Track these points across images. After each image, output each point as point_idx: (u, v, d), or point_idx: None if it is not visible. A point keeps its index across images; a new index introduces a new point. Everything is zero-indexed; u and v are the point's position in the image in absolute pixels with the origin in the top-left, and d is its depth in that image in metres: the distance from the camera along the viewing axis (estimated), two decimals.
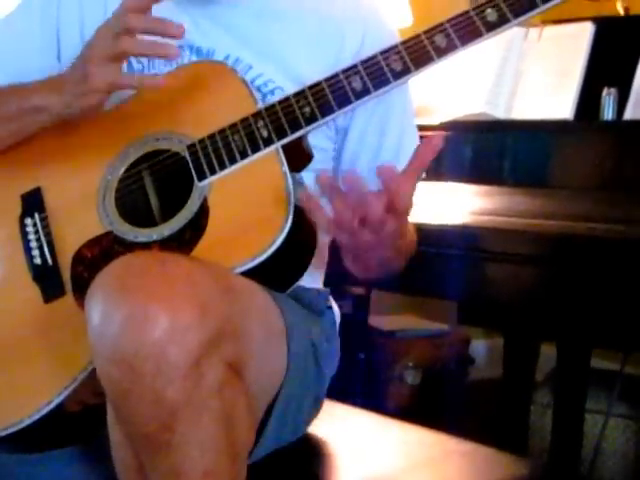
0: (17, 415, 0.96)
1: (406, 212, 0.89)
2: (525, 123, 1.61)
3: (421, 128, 1.20)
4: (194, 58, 1.11)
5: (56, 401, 0.95)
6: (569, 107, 1.55)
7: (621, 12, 0.94)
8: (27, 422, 0.95)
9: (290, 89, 1.02)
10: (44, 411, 0.95)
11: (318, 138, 1.08)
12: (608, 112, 1.52)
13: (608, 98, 1.52)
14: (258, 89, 1.06)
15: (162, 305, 0.79)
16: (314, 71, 1.04)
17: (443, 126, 1.68)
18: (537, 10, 0.93)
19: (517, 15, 0.93)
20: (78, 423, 1.00)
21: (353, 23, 1.11)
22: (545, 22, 1.65)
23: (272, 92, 1.08)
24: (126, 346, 0.79)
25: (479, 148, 1.63)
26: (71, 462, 1.05)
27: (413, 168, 0.87)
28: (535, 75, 1.63)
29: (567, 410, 1.55)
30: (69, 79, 1.00)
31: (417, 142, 1.16)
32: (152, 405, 0.79)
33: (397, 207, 0.86)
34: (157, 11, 1.12)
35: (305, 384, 1.06)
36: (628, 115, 1.49)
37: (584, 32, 1.58)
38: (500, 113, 1.65)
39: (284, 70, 1.09)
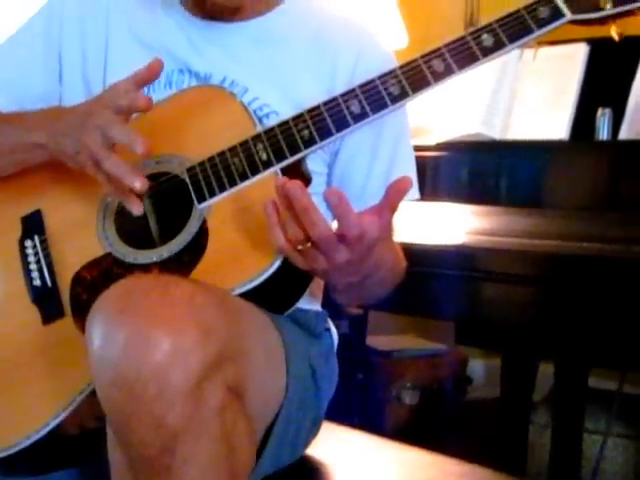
0: (14, 437, 0.96)
1: (368, 248, 0.87)
2: (521, 143, 1.62)
3: (417, 149, 1.20)
4: (193, 81, 1.11)
5: (53, 423, 0.95)
6: (564, 127, 1.56)
7: (616, 38, 0.95)
8: (25, 444, 0.95)
9: (285, 113, 1.02)
10: (42, 433, 0.95)
11: (315, 162, 1.09)
12: (603, 132, 1.54)
13: (603, 118, 1.53)
14: (254, 113, 1.07)
15: (164, 328, 0.79)
16: (309, 95, 1.05)
17: (439, 146, 1.69)
18: (533, 35, 0.94)
19: (513, 40, 0.94)
20: (76, 446, 0.99)
21: (347, 46, 1.12)
22: (540, 43, 1.67)
23: (267, 116, 1.08)
24: (127, 369, 0.79)
25: (475, 168, 1.64)
26: None
27: (380, 209, 0.86)
28: (530, 95, 1.65)
29: (566, 430, 1.55)
30: (68, 125, 1.00)
31: (412, 169, 1.16)
32: (153, 428, 0.79)
33: (347, 237, 0.85)
34: (159, 32, 1.14)
35: (304, 405, 1.06)
36: (623, 135, 1.50)
37: (578, 53, 1.60)
38: (496, 133, 1.66)
39: (280, 94, 1.09)
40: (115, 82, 1.00)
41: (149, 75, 0.97)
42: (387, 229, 0.90)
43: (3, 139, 1.07)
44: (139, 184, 0.94)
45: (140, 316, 0.80)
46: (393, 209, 0.87)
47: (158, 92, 1.11)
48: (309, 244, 0.87)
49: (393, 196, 0.86)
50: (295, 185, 0.84)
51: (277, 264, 0.94)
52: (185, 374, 0.79)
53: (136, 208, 0.97)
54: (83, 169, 0.99)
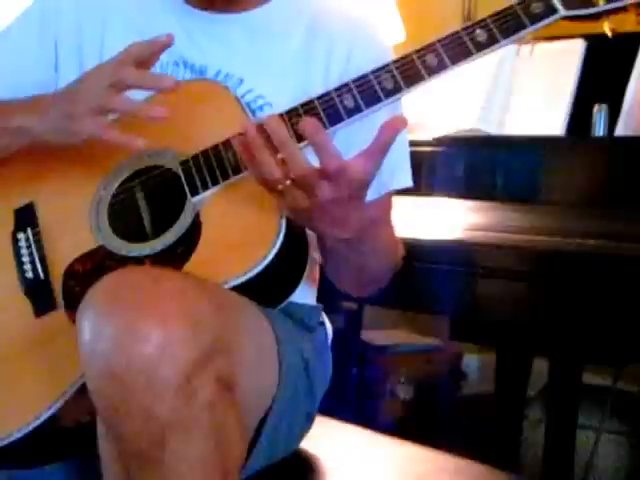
0: (6, 429, 0.96)
1: (355, 188, 0.88)
2: (517, 139, 1.62)
3: (414, 144, 1.20)
4: (188, 74, 1.11)
5: (45, 415, 0.95)
6: (561, 123, 1.57)
7: (608, 33, 0.95)
8: (16, 436, 0.95)
9: (280, 104, 1.02)
10: (33, 425, 0.95)
11: (309, 153, 1.08)
12: (599, 128, 1.54)
13: (599, 114, 1.53)
14: (247, 105, 1.06)
15: (154, 321, 0.79)
16: (304, 87, 1.05)
17: (436, 142, 1.68)
18: (526, 31, 0.94)
19: (506, 35, 0.94)
20: (69, 439, 0.99)
21: (341, 36, 1.12)
22: (537, 39, 1.66)
23: (261, 108, 1.08)
24: (117, 361, 0.79)
25: (471, 164, 1.64)
26: (60, 478, 1.04)
27: (369, 151, 0.87)
28: (527, 91, 1.65)
29: (559, 426, 1.55)
30: (56, 105, 1.00)
31: (405, 159, 1.16)
32: (143, 421, 0.79)
33: (328, 171, 0.86)
34: (155, 23, 1.13)
35: (296, 399, 1.06)
36: (619, 131, 1.50)
37: (575, 49, 1.60)
38: (492, 129, 1.66)
39: (275, 85, 1.09)
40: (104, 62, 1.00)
41: (155, 49, 0.97)
42: (375, 172, 0.89)
43: None
44: (169, 82, 0.94)
45: (130, 309, 0.80)
46: (383, 150, 0.87)
47: None
48: (288, 182, 0.88)
49: (384, 135, 0.86)
50: (272, 118, 0.86)
51: (270, 256, 0.94)
52: (175, 367, 0.79)
53: (140, 141, 0.95)
54: (77, 134, 0.98)
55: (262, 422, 1.00)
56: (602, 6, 0.92)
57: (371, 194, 1.07)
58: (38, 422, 0.95)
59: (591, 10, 0.93)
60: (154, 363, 0.78)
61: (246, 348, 0.92)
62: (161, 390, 0.78)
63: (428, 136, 1.69)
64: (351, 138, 1.10)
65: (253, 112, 1.06)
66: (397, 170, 1.14)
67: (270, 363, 1.00)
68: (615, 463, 1.79)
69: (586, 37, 1.59)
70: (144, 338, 0.78)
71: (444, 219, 1.58)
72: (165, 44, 0.97)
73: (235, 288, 0.95)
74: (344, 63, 1.10)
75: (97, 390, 0.82)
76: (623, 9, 0.91)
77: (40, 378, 0.97)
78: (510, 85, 1.66)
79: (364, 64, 0.98)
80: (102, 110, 0.96)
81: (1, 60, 1.16)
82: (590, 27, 1.00)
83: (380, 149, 0.87)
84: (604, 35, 1.00)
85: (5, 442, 0.95)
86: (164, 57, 1.11)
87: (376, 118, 1.02)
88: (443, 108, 1.74)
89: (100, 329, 0.80)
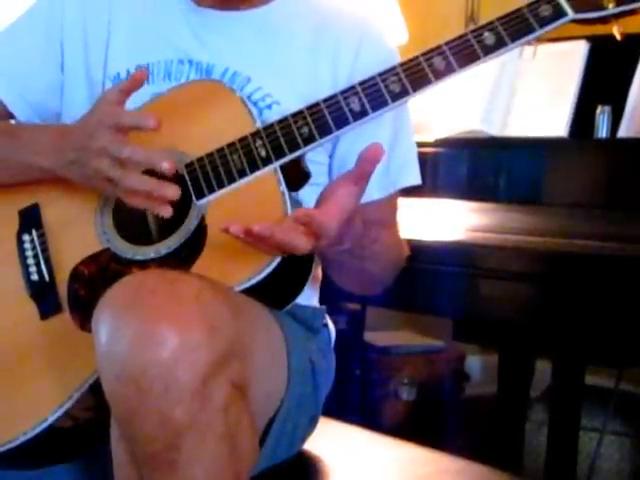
0: (12, 433, 0.96)
1: (346, 221, 0.89)
2: (520, 140, 1.62)
3: (416, 145, 1.20)
4: (193, 73, 1.10)
5: (51, 419, 0.95)
6: (563, 124, 1.57)
7: (618, 37, 0.95)
8: (22, 439, 0.95)
9: (288, 103, 1.02)
10: (39, 429, 0.95)
11: (317, 153, 1.08)
12: (602, 130, 1.54)
13: (602, 116, 1.53)
14: (255, 104, 1.06)
15: (171, 324, 0.79)
16: (312, 86, 1.05)
17: (438, 143, 1.69)
18: (535, 34, 0.94)
19: (515, 39, 0.94)
20: (76, 440, 0.99)
21: (349, 36, 1.12)
22: (540, 40, 1.65)
23: (269, 107, 1.08)
24: (134, 365, 0.79)
25: (474, 165, 1.64)
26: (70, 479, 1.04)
27: (355, 178, 0.88)
28: (530, 93, 1.65)
29: (562, 427, 1.55)
30: (73, 149, 1.00)
31: (412, 155, 1.16)
32: (158, 424, 0.79)
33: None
34: (161, 21, 1.13)
35: (303, 401, 1.06)
36: (622, 133, 1.50)
37: (578, 50, 1.60)
38: (495, 130, 1.66)
39: (282, 84, 1.09)
40: (104, 92, 1.00)
41: (132, 86, 0.97)
42: (360, 196, 0.90)
43: (6, 155, 1.07)
44: (172, 191, 0.94)
45: (147, 312, 0.80)
46: (366, 177, 0.88)
47: (157, 83, 1.10)
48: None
49: (363, 166, 0.87)
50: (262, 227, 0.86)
51: (276, 261, 0.94)
52: (191, 371, 0.79)
53: (166, 211, 0.96)
54: (99, 191, 1.00)
55: (269, 423, 1.00)
56: (611, 9, 0.91)
57: (379, 192, 1.08)
58: (44, 426, 0.94)
59: (600, 13, 0.92)
60: (171, 367, 0.78)
61: (259, 351, 0.93)
62: (178, 394, 0.78)
63: (431, 137, 1.69)
64: (358, 134, 1.09)
65: (261, 111, 1.06)
66: (405, 168, 1.14)
67: (280, 366, 1.00)
68: (618, 464, 1.79)
69: (589, 38, 1.59)
70: (161, 342, 0.78)
71: (447, 220, 1.58)
72: (140, 80, 0.97)
73: (242, 291, 0.95)
74: (352, 63, 1.09)
75: (113, 393, 0.81)
76: (632, 12, 0.91)
77: (46, 382, 0.97)
78: (513, 86, 1.66)
79: (372, 64, 0.98)
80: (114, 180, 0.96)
81: (8, 63, 1.16)
82: (593, 28, 0.99)
83: (363, 178, 0.88)
84: (607, 36, 1.00)
85: (11, 445, 0.95)
86: (168, 55, 1.11)
87: (381, 119, 1.02)
88: (446, 109, 1.74)
89: (117, 332, 0.80)
